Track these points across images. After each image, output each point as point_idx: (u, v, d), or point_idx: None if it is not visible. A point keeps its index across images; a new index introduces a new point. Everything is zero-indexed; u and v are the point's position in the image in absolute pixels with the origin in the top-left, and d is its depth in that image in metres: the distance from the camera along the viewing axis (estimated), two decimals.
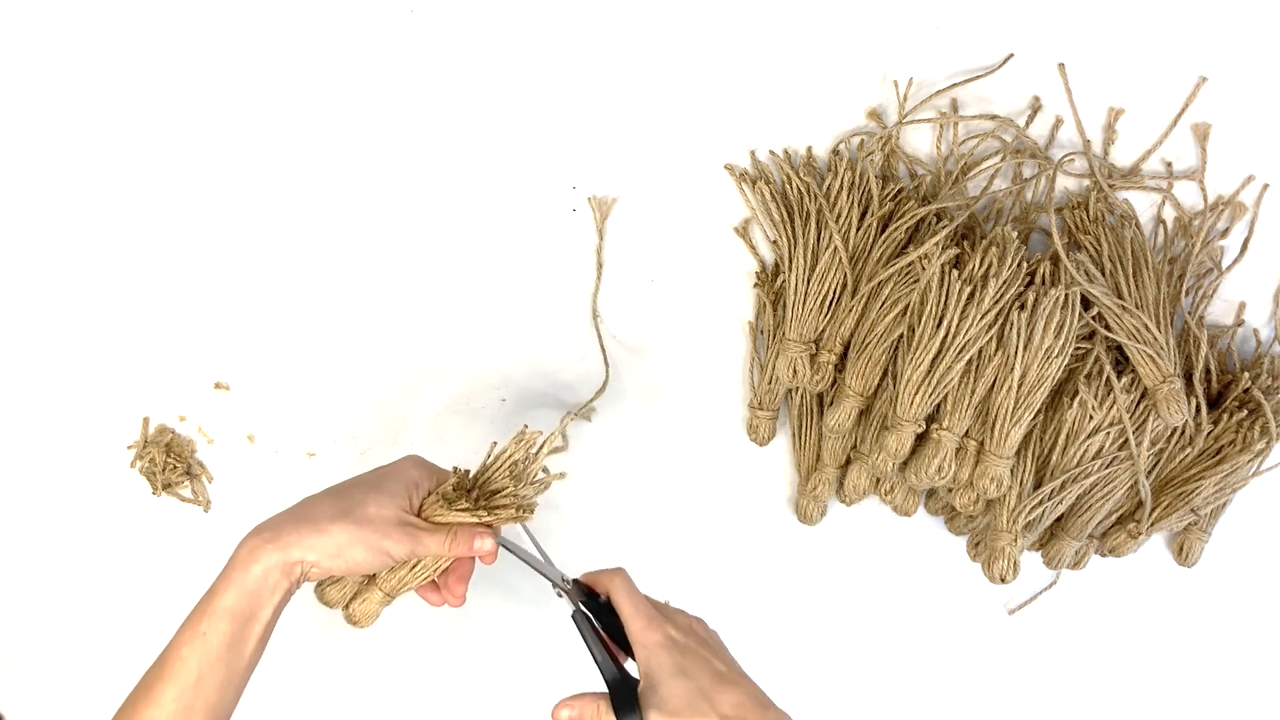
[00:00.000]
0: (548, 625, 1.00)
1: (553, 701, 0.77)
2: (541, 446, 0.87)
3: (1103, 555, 1.01)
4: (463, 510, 0.83)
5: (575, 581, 0.83)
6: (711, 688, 0.74)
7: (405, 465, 0.85)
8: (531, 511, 0.87)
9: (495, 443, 0.88)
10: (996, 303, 0.91)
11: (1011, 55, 1.01)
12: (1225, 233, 1.02)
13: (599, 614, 0.81)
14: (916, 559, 1.03)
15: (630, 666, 0.79)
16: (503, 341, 1.03)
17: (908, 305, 0.93)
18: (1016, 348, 0.90)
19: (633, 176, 1.03)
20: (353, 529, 0.78)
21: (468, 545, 0.82)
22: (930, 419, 0.93)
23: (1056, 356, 0.90)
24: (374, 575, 0.86)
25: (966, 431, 0.92)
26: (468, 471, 0.88)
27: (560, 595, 0.83)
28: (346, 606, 0.87)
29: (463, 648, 1.03)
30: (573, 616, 0.81)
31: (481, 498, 0.86)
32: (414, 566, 0.85)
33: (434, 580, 0.86)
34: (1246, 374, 0.97)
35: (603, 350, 1.02)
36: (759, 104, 1.02)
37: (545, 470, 0.89)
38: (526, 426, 0.88)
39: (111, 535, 1.02)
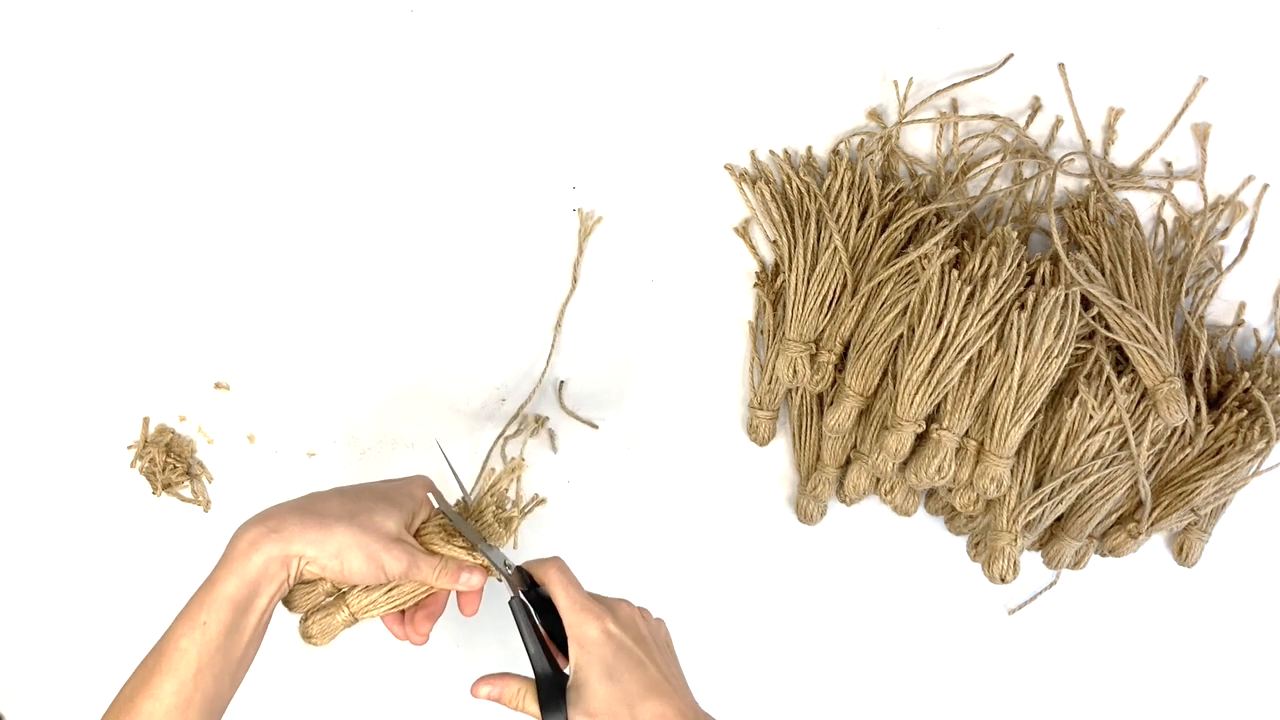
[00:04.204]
0: None
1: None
2: (504, 476, 0.86)
3: (1103, 555, 1.01)
4: (461, 546, 0.82)
5: (519, 569, 0.82)
6: (638, 694, 0.74)
7: (415, 485, 0.84)
8: (512, 532, 0.86)
9: (493, 469, 0.87)
10: (996, 303, 0.91)
11: (1011, 55, 1.01)
12: (1225, 233, 1.02)
13: (541, 606, 0.80)
14: (916, 559, 1.03)
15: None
16: (502, 341, 1.03)
17: (908, 305, 0.93)
18: (1016, 348, 0.90)
19: (633, 176, 1.03)
20: (356, 534, 0.77)
21: (454, 578, 0.81)
22: (930, 419, 0.93)
23: (1056, 356, 0.90)
24: (344, 593, 0.83)
25: (966, 431, 0.92)
26: (466, 504, 0.87)
27: (500, 580, 0.82)
28: (306, 618, 0.84)
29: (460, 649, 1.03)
30: (510, 603, 0.80)
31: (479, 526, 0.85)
32: (389, 590, 0.82)
33: (401, 610, 0.84)
34: (1246, 374, 0.97)
35: (547, 362, 1.02)
36: (759, 104, 1.02)
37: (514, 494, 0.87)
38: (522, 458, 0.87)
39: (111, 535, 1.02)
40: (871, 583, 1.04)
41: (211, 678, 0.74)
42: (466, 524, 0.84)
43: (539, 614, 0.80)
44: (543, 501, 0.99)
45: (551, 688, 0.76)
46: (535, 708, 0.77)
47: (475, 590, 0.83)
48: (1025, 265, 0.93)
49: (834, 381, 0.98)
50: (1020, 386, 0.90)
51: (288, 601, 0.83)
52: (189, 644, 0.74)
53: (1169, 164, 1.02)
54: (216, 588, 0.75)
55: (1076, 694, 1.04)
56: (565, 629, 0.77)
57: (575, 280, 1.03)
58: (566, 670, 0.77)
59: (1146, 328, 0.93)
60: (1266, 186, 1.01)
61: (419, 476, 0.86)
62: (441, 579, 0.81)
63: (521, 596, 0.80)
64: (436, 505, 0.84)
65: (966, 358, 0.91)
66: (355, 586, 0.83)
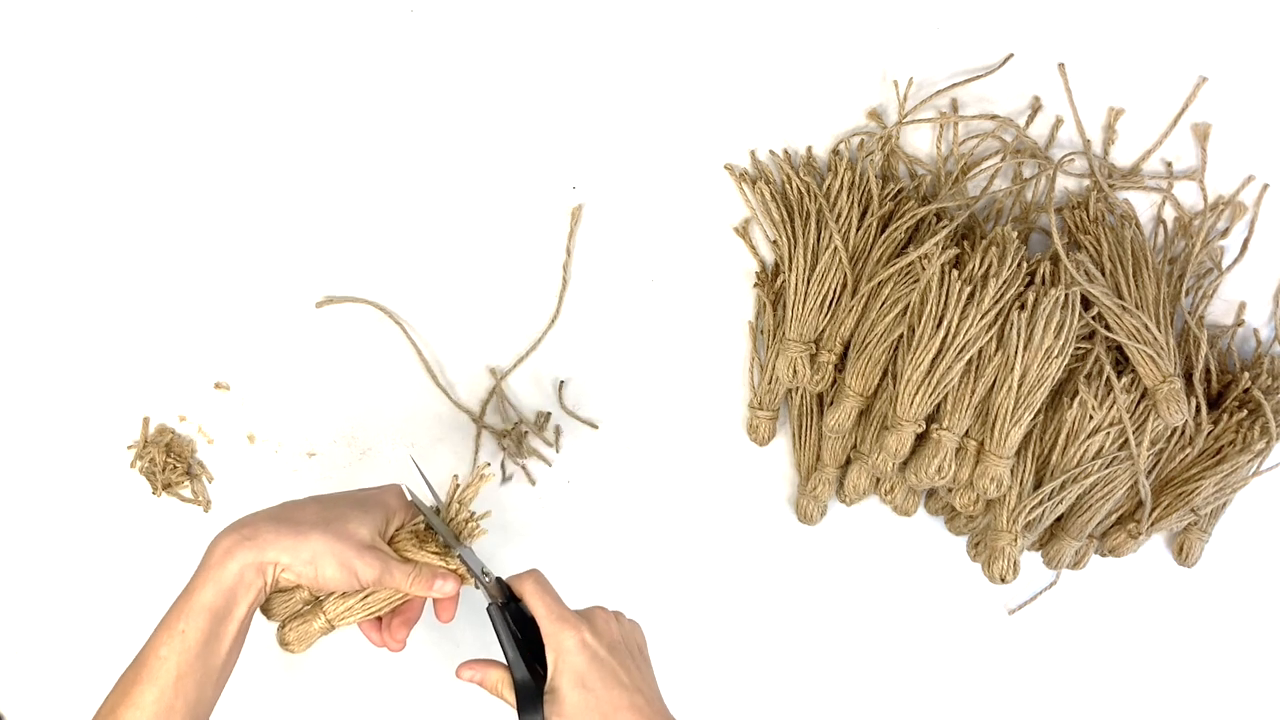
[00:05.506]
0: None
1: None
2: (471, 483, 0.86)
3: (1103, 555, 1.01)
4: (434, 552, 0.83)
5: (499, 581, 0.83)
6: (610, 703, 0.75)
7: (388, 494, 0.86)
8: (479, 533, 0.87)
9: (456, 476, 0.88)
10: (996, 303, 0.91)
11: (1011, 55, 1.01)
12: (1225, 233, 1.02)
13: (520, 618, 0.81)
14: (916, 559, 1.03)
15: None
16: (501, 341, 1.03)
17: (908, 305, 0.93)
18: (1016, 348, 0.90)
19: (633, 176, 1.03)
20: (330, 540, 0.78)
21: (428, 584, 0.82)
22: (930, 419, 0.93)
23: (1056, 356, 0.90)
24: (321, 600, 0.84)
25: (966, 431, 0.92)
26: (438, 510, 0.87)
27: (477, 587, 0.83)
28: (284, 625, 0.84)
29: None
30: (488, 609, 0.81)
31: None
32: (365, 597, 0.83)
33: (378, 617, 0.85)
34: (1246, 374, 0.97)
35: (528, 351, 1.02)
36: (759, 104, 1.02)
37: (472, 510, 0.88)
38: (488, 464, 0.88)
39: (111, 535, 1.02)
40: (871, 583, 1.04)
41: (193, 685, 0.74)
42: (445, 527, 0.85)
43: (518, 625, 0.81)
44: (487, 479, 0.95)
45: (529, 693, 0.78)
46: (513, 697, 0.78)
47: (450, 597, 0.84)
48: (1025, 265, 0.93)
49: (834, 381, 0.98)
50: (1020, 386, 0.90)
51: (265, 609, 0.84)
52: (168, 652, 0.74)
53: (1169, 164, 1.02)
54: (194, 596, 0.76)
55: (1076, 694, 1.04)
56: (543, 638, 0.78)
57: (572, 280, 1.03)
58: (543, 675, 0.78)
59: (1146, 328, 0.93)
60: (1266, 186, 1.01)
61: (391, 486, 0.87)
62: (415, 586, 0.82)
63: (498, 603, 0.81)
64: (411, 498, 0.85)
65: (966, 358, 0.91)
66: (332, 594, 0.83)
